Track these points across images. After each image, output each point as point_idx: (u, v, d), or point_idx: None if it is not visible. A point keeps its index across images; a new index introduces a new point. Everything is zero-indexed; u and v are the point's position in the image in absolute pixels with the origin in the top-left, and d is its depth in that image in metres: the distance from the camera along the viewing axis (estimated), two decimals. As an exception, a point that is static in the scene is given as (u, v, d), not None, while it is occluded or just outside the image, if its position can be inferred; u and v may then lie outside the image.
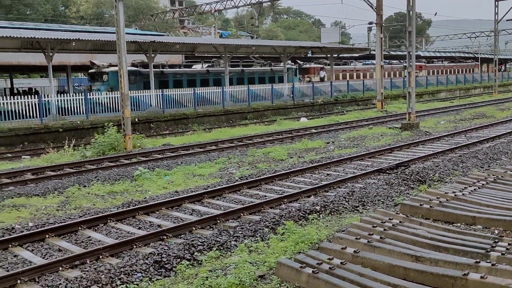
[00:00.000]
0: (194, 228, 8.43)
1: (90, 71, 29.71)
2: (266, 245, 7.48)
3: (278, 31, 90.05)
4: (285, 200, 10.07)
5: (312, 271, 5.86)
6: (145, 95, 26.53)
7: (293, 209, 9.26)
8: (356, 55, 52.75)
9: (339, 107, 36.63)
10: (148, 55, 26.89)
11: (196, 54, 35.68)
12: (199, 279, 6.15)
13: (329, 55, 40.00)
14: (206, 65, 35.27)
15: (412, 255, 6.25)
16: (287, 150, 16.80)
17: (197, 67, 35.16)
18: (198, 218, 8.97)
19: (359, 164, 13.89)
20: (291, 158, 15.56)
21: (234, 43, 33.44)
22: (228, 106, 29.79)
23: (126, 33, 18.53)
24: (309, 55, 46.87)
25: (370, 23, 54.45)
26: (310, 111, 34.54)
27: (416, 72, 35.91)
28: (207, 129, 25.57)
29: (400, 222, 7.82)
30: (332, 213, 9.29)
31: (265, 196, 10.65)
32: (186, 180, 12.83)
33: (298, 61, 43.34)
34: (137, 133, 21.28)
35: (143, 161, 15.68)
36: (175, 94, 27.63)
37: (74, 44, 24.36)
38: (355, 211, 9.45)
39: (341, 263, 6.09)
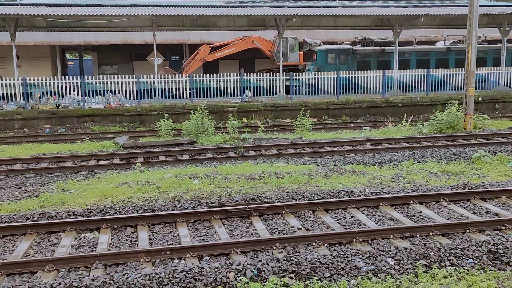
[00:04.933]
0: (540, 225, 7.40)
1: (305, 50, 27.76)
2: None
3: None
4: None
5: None
6: (493, 73, 24.46)
7: None
8: None
9: None
10: (502, 28, 24.53)
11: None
12: (542, 282, 5.39)
13: None
14: (449, 42, 28.62)
15: None
16: None
17: (439, 44, 29.23)
18: (547, 214, 7.82)
19: None
20: None
21: None
22: None
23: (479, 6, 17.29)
24: None
25: None
26: None
27: None
28: None
29: None
30: None
31: None
32: (534, 169, 11.32)
33: None
34: (479, 113, 19.93)
35: (483, 144, 14.62)
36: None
37: (422, 20, 24.34)
38: None
39: None
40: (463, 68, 23.33)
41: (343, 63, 25.89)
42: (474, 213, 8.29)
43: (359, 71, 23.88)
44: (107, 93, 22.14)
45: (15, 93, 21.26)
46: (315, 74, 23.54)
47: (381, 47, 27.04)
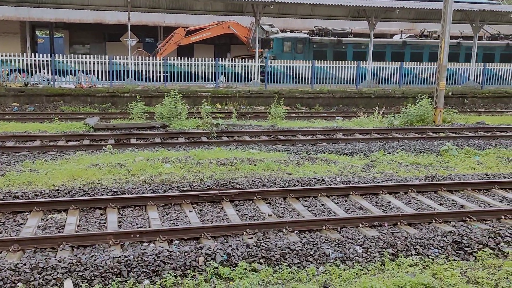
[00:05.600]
0: (503, 217, 7.65)
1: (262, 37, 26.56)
2: None
3: None
4: None
5: None
6: (464, 68, 24.98)
7: None
8: None
9: None
10: (474, 25, 25.01)
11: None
12: (502, 271, 5.58)
13: None
14: (406, 35, 28.86)
15: None
16: None
17: (396, 37, 29.57)
18: (510, 207, 8.07)
19: None
20: None
21: None
22: None
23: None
24: None
25: None
26: None
27: None
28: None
29: None
30: None
31: None
32: (499, 164, 11.64)
33: None
34: (449, 107, 20.37)
35: (451, 137, 14.94)
36: (500, 69, 25.11)
37: (398, 13, 24.59)
38: None
39: None
40: (434, 63, 23.78)
41: (300, 52, 25.39)
42: (440, 204, 8.49)
43: (316, 60, 23.73)
44: (78, 73, 21.65)
45: (-19, 69, 20.59)
46: (271, 63, 23.24)
47: (338, 38, 26.65)
